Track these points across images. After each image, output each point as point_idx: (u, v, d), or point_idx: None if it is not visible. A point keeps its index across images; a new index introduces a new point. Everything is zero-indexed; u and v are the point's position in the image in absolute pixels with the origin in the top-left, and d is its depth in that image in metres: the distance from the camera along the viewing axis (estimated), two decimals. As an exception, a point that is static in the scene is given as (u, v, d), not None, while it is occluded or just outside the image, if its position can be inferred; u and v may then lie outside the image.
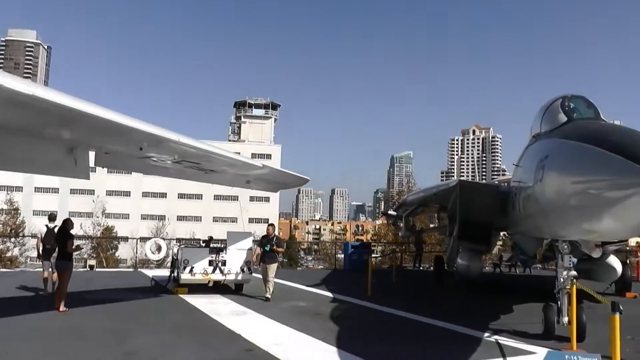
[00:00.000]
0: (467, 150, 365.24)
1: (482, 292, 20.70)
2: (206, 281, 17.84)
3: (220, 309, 14.94)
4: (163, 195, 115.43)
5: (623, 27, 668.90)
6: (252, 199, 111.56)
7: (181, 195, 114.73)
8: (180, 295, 17.19)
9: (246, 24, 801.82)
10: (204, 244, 19.59)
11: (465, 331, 12.69)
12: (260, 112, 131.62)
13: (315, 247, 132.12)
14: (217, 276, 17.56)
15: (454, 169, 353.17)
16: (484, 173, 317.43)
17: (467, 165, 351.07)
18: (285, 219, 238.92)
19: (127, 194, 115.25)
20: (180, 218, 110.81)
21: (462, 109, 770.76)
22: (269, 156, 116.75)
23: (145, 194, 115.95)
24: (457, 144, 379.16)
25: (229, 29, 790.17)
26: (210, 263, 17.57)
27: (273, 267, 17.15)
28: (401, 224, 26.76)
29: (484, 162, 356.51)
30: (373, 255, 30.55)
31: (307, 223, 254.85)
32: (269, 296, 16.78)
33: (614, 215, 7.87)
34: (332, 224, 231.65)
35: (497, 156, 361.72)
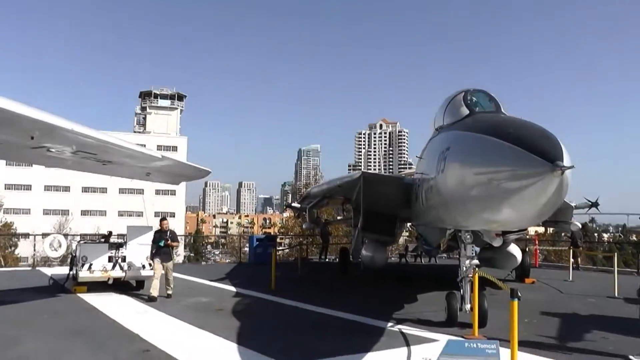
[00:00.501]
0: (374, 144, 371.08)
1: (388, 282, 20.96)
2: (106, 278, 16.88)
3: (120, 308, 14.33)
4: (66, 188, 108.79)
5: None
6: (157, 192, 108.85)
7: (85, 189, 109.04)
8: (79, 295, 16.33)
9: (153, 14, 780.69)
10: (102, 239, 18.79)
11: (369, 322, 12.72)
12: (166, 102, 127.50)
13: (223, 240, 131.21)
14: (117, 273, 16.83)
15: (361, 162, 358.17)
16: (390, 166, 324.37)
17: (374, 158, 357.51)
18: (192, 213, 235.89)
19: (27, 187, 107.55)
20: (84, 212, 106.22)
21: (370, 104, 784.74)
22: (174, 148, 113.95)
23: (47, 188, 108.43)
24: (364, 137, 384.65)
25: (137, 18, 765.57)
26: (110, 259, 16.84)
27: (170, 265, 16.41)
28: (306, 216, 26.62)
29: (390, 155, 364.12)
30: (280, 248, 30.35)
31: (214, 216, 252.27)
32: (170, 293, 16.15)
33: (512, 205, 7.94)
34: (240, 217, 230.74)
35: (404, 150, 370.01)
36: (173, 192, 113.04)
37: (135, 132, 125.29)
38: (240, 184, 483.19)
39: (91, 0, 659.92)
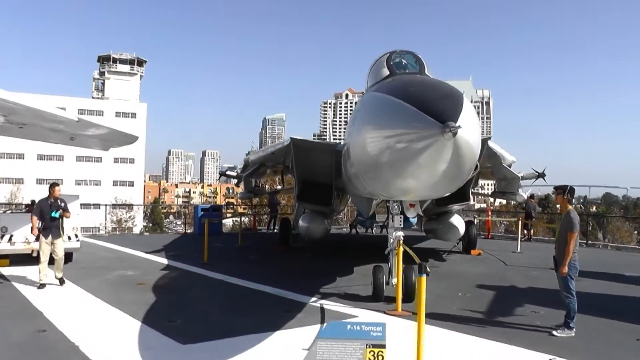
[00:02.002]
0: (340, 114, 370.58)
1: (329, 254, 20.48)
2: (29, 251, 15.85)
3: (36, 283, 13.32)
4: (20, 155, 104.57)
5: None
6: (116, 160, 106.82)
7: (41, 157, 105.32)
8: (-2, 268, 15.40)
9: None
10: (26, 209, 17.85)
11: (294, 297, 12.24)
12: (125, 68, 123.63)
13: (185, 210, 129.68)
14: None
15: (326, 131, 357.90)
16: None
17: (340, 128, 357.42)
18: (154, 182, 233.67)
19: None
20: (40, 181, 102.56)
21: (337, 74, 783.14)
22: (134, 115, 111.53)
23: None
24: (330, 107, 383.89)
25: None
26: None
27: (60, 242, 13.46)
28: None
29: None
30: (225, 219, 29.62)
31: (176, 186, 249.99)
32: (61, 275, 13.45)
33: (411, 172, 7.11)
34: (203, 187, 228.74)
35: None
36: (132, 161, 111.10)
37: (93, 97, 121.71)
38: (204, 153, 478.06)
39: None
